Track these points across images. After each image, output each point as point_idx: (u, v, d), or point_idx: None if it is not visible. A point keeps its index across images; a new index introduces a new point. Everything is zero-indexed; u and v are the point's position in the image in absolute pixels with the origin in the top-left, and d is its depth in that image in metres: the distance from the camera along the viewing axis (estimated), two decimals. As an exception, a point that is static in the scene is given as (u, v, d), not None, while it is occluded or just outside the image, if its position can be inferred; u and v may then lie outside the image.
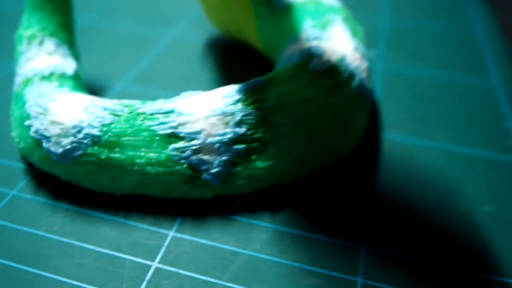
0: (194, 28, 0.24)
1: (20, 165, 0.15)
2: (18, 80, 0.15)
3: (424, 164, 0.16)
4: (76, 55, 0.17)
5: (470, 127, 0.18)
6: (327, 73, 0.14)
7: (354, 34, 0.17)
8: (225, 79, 0.20)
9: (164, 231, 0.13)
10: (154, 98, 0.19)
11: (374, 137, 0.17)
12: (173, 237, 0.13)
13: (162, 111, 0.13)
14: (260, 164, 0.13)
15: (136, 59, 0.22)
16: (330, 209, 0.14)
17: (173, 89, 0.19)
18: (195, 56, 0.22)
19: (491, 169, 0.16)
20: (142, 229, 0.13)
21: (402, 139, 0.17)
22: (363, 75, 0.16)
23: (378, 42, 0.24)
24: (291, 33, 0.17)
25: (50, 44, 0.16)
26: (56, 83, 0.15)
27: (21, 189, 0.14)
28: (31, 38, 0.16)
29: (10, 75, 0.20)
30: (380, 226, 0.13)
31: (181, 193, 0.13)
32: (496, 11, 0.29)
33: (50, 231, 0.13)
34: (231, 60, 0.22)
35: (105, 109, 0.13)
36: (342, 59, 0.15)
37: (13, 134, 0.15)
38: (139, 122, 0.13)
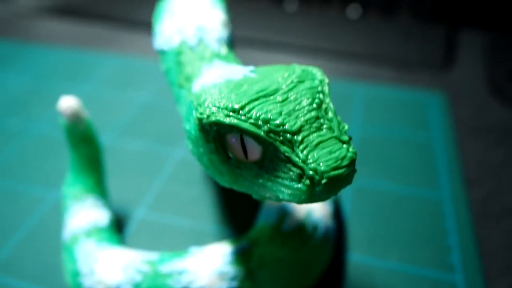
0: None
1: (71, 298, 0.21)
2: (66, 233, 0.21)
3: (378, 286, 0.21)
4: (107, 203, 0.23)
5: (417, 244, 0.22)
6: (295, 232, 0.19)
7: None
8: (223, 202, 0.25)
9: None
10: (168, 227, 0.24)
11: (339, 259, 0.22)
12: None
13: (176, 271, 0.18)
14: (248, 306, 0.18)
15: (149, 181, 0.27)
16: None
17: (183, 215, 0.25)
18: (197, 177, 0.27)
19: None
20: None
21: (362, 259, 0.22)
22: (327, 221, 0.21)
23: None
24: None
25: (89, 200, 0.22)
26: (97, 238, 0.20)
27: (74, 320, 0.20)
28: (75, 196, 0.22)
29: (55, 205, 0.25)
30: None
31: (192, 327, 0.19)
32: (454, 106, 0.33)
33: None
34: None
35: (136, 269, 0.18)
36: (309, 214, 0.20)
37: (67, 280, 0.20)
38: (160, 281, 0.18)
